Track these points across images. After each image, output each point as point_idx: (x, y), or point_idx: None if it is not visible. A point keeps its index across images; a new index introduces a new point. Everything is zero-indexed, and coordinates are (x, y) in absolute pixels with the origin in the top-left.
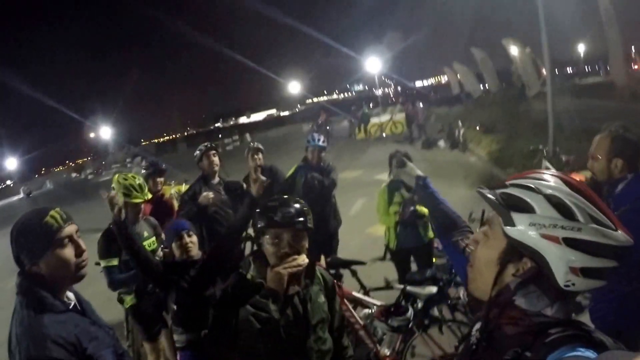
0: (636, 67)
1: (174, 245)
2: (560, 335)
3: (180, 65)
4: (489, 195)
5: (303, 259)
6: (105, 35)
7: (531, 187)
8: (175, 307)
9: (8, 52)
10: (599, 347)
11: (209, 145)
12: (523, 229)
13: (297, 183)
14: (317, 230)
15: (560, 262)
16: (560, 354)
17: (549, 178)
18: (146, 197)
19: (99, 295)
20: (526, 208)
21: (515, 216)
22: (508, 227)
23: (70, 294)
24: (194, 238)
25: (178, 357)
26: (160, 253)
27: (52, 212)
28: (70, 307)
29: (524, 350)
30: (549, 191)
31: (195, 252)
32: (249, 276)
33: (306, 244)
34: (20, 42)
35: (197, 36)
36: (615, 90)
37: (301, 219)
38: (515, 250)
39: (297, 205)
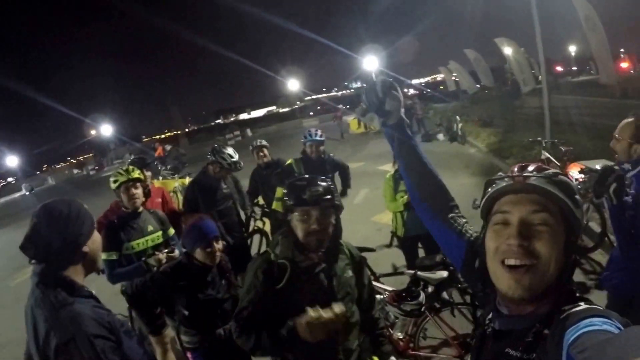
0: (626, 65)
1: (199, 250)
2: (574, 311)
3: (182, 63)
4: (549, 186)
5: (336, 313)
6: (106, 35)
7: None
8: (187, 312)
9: (9, 51)
10: (617, 320)
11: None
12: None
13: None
14: None
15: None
16: (577, 329)
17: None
18: (131, 177)
19: (103, 292)
20: (575, 191)
21: (578, 198)
22: (577, 209)
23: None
24: (221, 244)
25: (190, 358)
26: (161, 256)
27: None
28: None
29: (544, 327)
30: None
31: (218, 258)
32: (272, 256)
33: (333, 220)
34: (21, 41)
35: (199, 35)
36: (606, 88)
37: (328, 196)
38: (573, 229)
39: (324, 184)
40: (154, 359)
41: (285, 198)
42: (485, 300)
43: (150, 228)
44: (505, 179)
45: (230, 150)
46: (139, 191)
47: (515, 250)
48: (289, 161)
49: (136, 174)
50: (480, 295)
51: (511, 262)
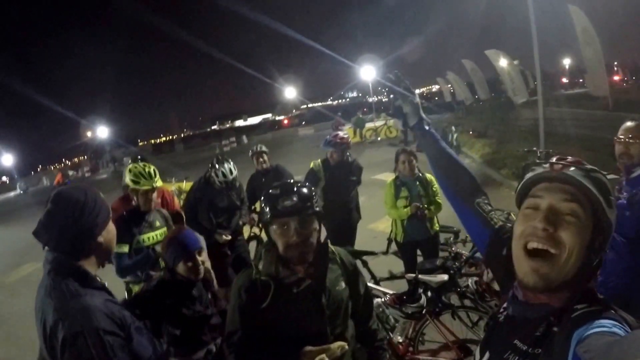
0: (617, 78)
1: (180, 264)
2: (586, 311)
3: (181, 68)
4: (585, 180)
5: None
6: (105, 38)
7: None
8: (178, 331)
9: (6, 50)
10: (627, 324)
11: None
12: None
13: (321, 178)
14: (341, 221)
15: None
16: (586, 329)
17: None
18: (155, 185)
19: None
20: (610, 191)
21: (613, 199)
22: (610, 209)
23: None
24: (204, 255)
25: None
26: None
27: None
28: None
29: (554, 324)
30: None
31: (203, 272)
32: (254, 272)
33: (316, 227)
34: (18, 41)
35: (197, 42)
36: (598, 100)
37: (307, 204)
38: (602, 230)
39: (302, 190)
40: (164, 356)
41: (262, 209)
42: (506, 287)
43: (157, 224)
44: (544, 166)
45: (226, 168)
46: (154, 194)
47: (540, 234)
48: (311, 165)
49: (158, 182)
50: (503, 281)
51: (533, 244)
